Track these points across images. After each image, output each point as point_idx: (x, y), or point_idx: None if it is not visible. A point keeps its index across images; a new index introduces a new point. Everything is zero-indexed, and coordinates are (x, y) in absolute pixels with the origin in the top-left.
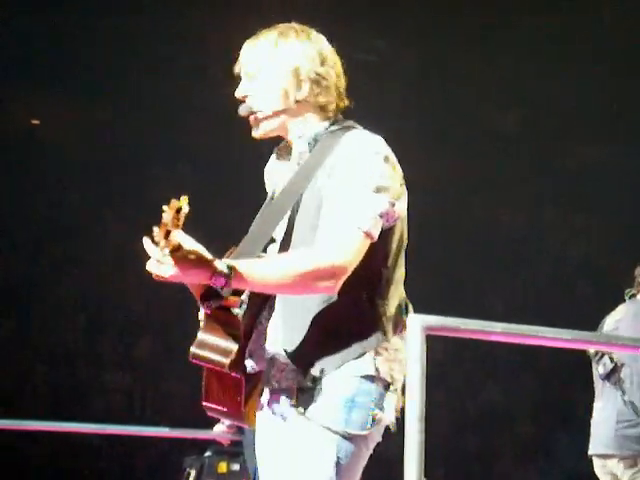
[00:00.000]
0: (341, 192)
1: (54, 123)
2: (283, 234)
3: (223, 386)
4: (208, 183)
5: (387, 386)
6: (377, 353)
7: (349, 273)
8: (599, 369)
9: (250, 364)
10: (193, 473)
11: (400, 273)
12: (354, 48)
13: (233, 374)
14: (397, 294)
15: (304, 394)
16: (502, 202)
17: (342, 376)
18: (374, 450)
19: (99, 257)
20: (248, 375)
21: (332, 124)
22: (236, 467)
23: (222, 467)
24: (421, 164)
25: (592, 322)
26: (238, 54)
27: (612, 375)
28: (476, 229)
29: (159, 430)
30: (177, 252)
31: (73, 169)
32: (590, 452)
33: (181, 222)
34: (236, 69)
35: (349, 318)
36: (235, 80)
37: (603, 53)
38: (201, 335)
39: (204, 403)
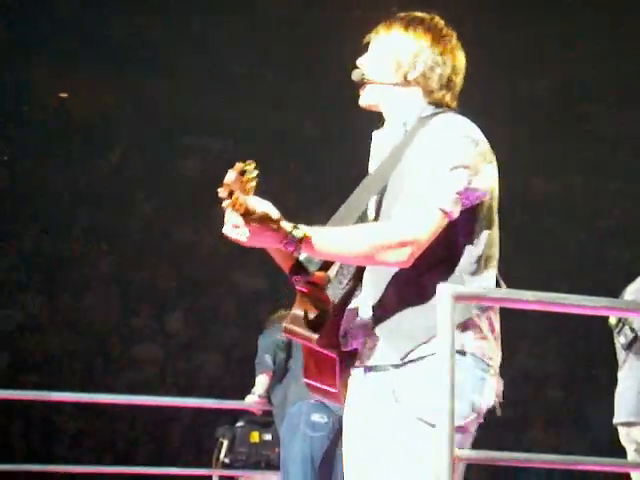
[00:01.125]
0: (422, 170)
1: (82, 95)
2: (374, 211)
3: (318, 364)
4: (240, 155)
5: (484, 368)
6: (465, 330)
7: (422, 248)
8: (620, 339)
9: (345, 342)
10: (225, 443)
11: (492, 251)
12: None
13: (325, 352)
14: (488, 272)
15: (397, 373)
16: (534, 170)
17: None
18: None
19: (131, 230)
20: (342, 353)
21: (432, 111)
22: (268, 437)
23: (254, 437)
24: None
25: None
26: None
27: (633, 344)
28: (507, 197)
29: (191, 401)
30: (250, 216)
31: (102, 142)
32: (615, 421)
33: (249, 186)
34: (366, 39)
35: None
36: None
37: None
38: (294, 310)
39: (305, 380)
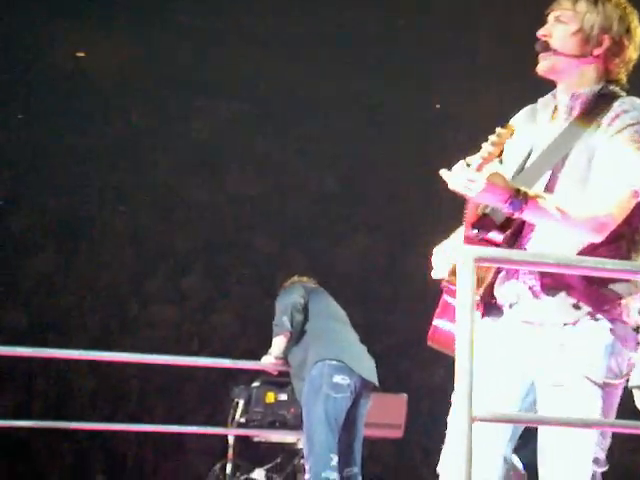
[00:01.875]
0: (618, 151)
1: (99, 55)
2: (544, 186)
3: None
4: (255, 117)
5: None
6: (630, 301)
7: (616, 224)
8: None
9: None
10: (241, 403)
11: None
12: None
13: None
14: None
15: (564, 333)
16: None
17: (600, 322)
18: (420, 386)
19: (147, 191)
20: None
21: (608, 88)
22: (284, 397)
23: (270, 397)
24: None
25: None
26: None
27: None
28: None
29: (207, 361)
30: (490, 175)
31: (118, 102)
32: (630, 384)
33: (498, 150)
34: (548, 10)
35: None
36: None
37: None
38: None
39: (436, 322)
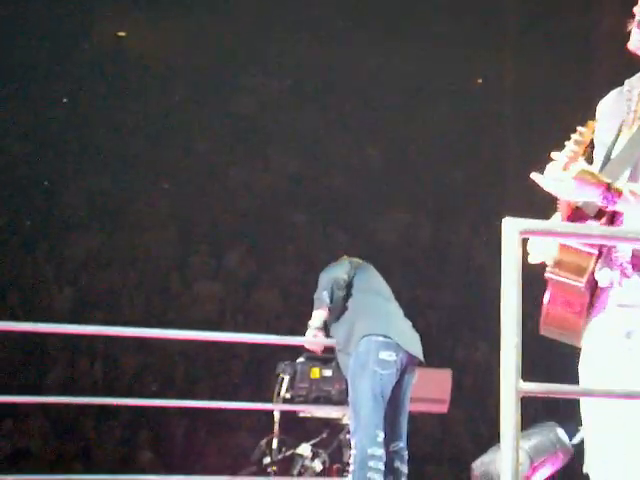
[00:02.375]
0: None
1: (141, 34)
2: (630, 175)
3: (568, 304)
4: (295, 95)
5: None
6: None
7: None
8: None
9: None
10: (286, 379)
11: None
12: None
13: (582, 294)
14: None
15: None
16: None
17: None
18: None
19: (189, 169)
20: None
21: None
22: (328, 373)
23: (315, 373)
24: None
25: None
26: None
27: None
28: None
29: (252, 337)
30: (579, 171)
31: (160, 80)
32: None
33: (582, 149)
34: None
35: None
36: None
37: None
38: (558, 255)
39: (543, 326)
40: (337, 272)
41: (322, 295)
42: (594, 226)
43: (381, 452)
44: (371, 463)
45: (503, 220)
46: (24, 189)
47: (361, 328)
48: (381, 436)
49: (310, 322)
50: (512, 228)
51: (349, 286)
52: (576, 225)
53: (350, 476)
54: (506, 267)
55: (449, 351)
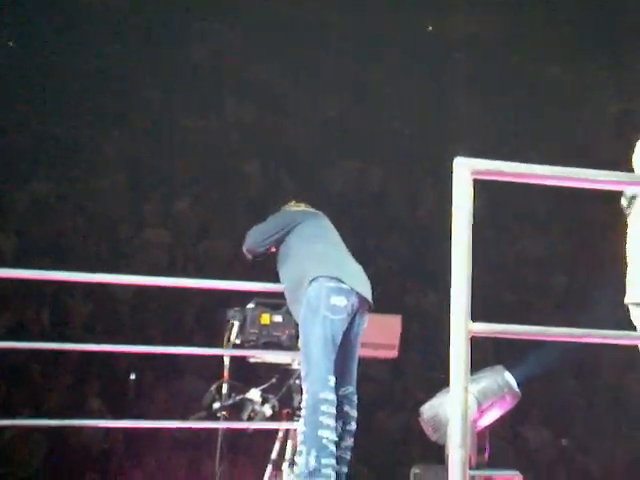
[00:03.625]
0: None
1: None
2: None
3: None
4: (248, 43)
5: None
6: None
7: None
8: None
9: None
10: (236, 325)
11: None
12: None
13: None
14: None
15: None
16: None
17: None
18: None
19: (140, 117)
20: None
21: None
22: (278, 318)
23: (265, 319)
24: None
25: None
26: None
27: None
28: None
29: (202, 282)
30: None
31: (114, 26)
32: (626, 300)
33: None
34: None
35: None
36: None
37: None
38: None
39: None
40: (270, 223)
41: (244, 250)
42: (544, 167)
43: (333, 396)
44: (323, 407)
45: (454, 160)
46: None
47: (311, 272)
48: (332, 381)
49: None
50: (463, 168)
51: (297, 233)
52: (526, 165)
53: (302, 420)
54: (457, 208)
55: (399, 298)
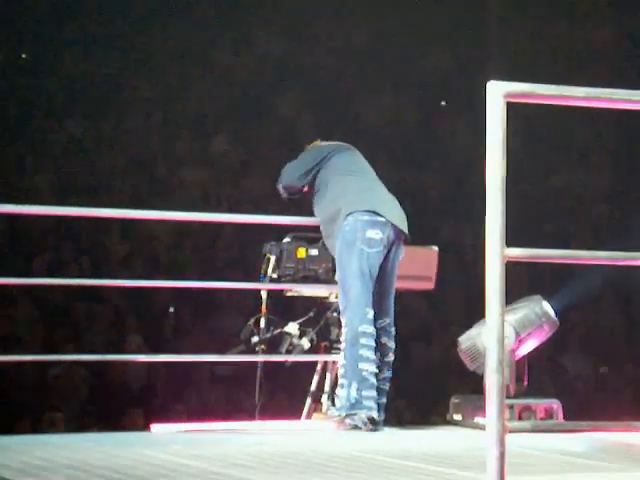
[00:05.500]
0: None
1: None
2: None
3: None
4: None
5: None
6: None
7: None
8: None
9: None
10: (273, 259)
11: None
12: None
13: None
14: None
15: None
16: None
17: None
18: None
19: (171, 53)
20: None
21: None
22: (315, 252)
23: (301, 252)
24: None
25: None
26: None
27: None
28: None
29: (238, 217)
30: None
31: None
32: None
33: None
34: None
35: None
36: None
37: None
38: None
39: None
40: (304, 159)
41: (280, 188)
42: (579, 89)
43: (372, 329)
44: (362, 340)
45: (488, 84)
46: (5, 74)
47: (346, 206)
48: (371, 314)
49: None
50: (496, 91)
51: (330, 167)
52: (559, 87)
53: (342, 353)
54: (491, 131)
55: (435, 230)
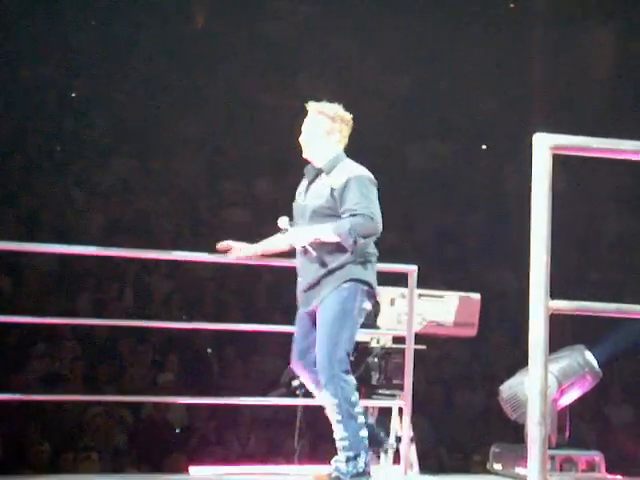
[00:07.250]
0: None
1: None
2: None
3: None
4: (329, 21)
5: None
6: None
7: None
8: None
9: None
10: None
11: None
12: None
13: None
14: None
15: None
16: None
17: None
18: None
19: (217, 96)
20: None
21: None
22: None
23: None
24: None
25: None
26: None
27: None
28: None
29: (281, 262)
30: None
31: (186, 5)
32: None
33: None
34: None
35: None
36: None
37: None
38: None
39: None
40: (376, 208)
41: (347, 236)
42: (628, 142)
43: (357, 395)
44: (357, 409)
45: (534, 136)
46: (54, 114)
47: (353, 270)
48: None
49: (308, 233)
50: (543, 143)
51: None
52: (609, 140)
53: (340, 426)
54: (537, 183)
55: (478, 277)
